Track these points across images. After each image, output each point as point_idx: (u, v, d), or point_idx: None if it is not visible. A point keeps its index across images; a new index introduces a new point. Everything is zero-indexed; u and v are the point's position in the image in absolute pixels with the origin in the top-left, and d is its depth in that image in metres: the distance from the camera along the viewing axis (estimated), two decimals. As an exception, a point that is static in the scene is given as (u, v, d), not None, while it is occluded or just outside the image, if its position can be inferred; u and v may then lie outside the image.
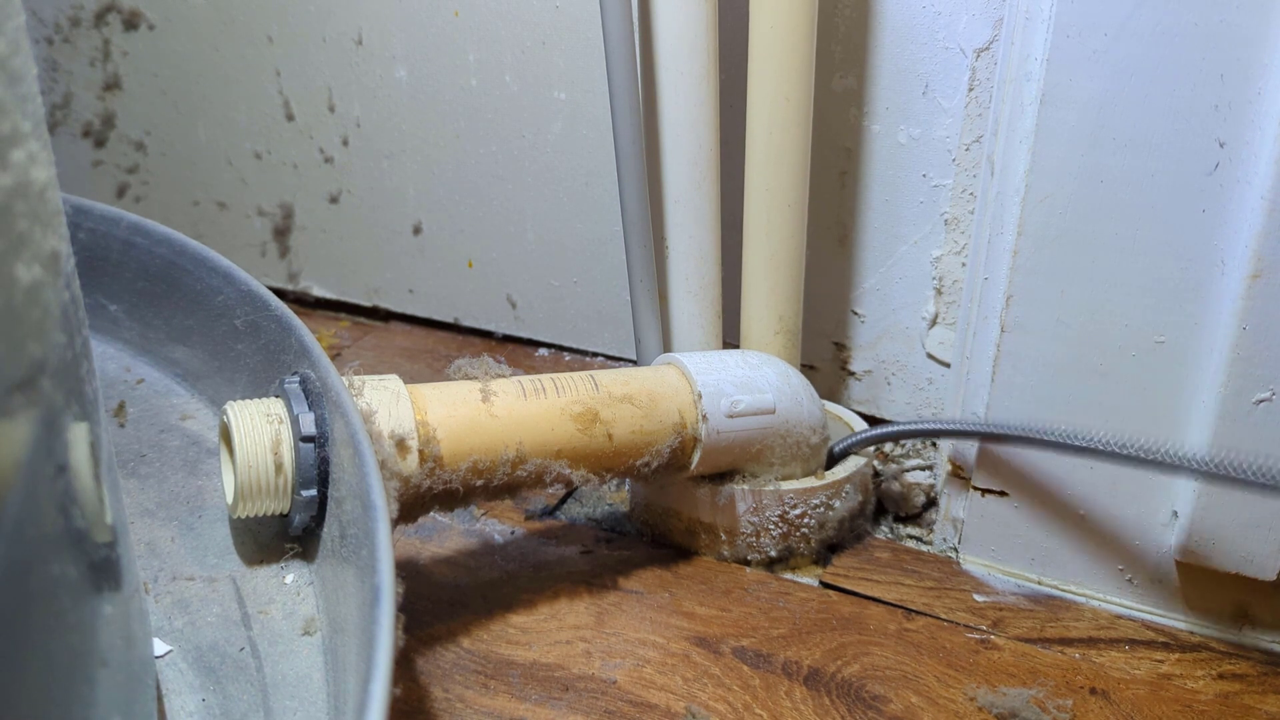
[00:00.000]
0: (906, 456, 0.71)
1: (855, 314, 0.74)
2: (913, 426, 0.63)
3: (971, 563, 0.63)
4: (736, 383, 0.59)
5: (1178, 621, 0.58)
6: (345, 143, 0.90)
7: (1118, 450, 0.52)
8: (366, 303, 0.96)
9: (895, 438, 0.64)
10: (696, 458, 0.58)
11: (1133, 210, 0.52)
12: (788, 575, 0.62)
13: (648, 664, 0.54)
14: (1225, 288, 0.51)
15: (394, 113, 0.87)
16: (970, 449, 0.61)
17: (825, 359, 0.76)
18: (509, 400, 0.54)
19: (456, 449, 0.52)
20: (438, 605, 0.58)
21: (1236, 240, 0.49)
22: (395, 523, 0.48)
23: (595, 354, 0.87)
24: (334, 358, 0.86)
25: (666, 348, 0.69)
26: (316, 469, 0.47)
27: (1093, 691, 0.53)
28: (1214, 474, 0.49)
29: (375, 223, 0.92)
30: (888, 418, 0.75)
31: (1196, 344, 0.53)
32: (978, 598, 0.60)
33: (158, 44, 0.94)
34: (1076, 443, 0.53)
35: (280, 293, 0.97)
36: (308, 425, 0.47)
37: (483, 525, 0.66)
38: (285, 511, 0.49)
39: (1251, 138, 0.48)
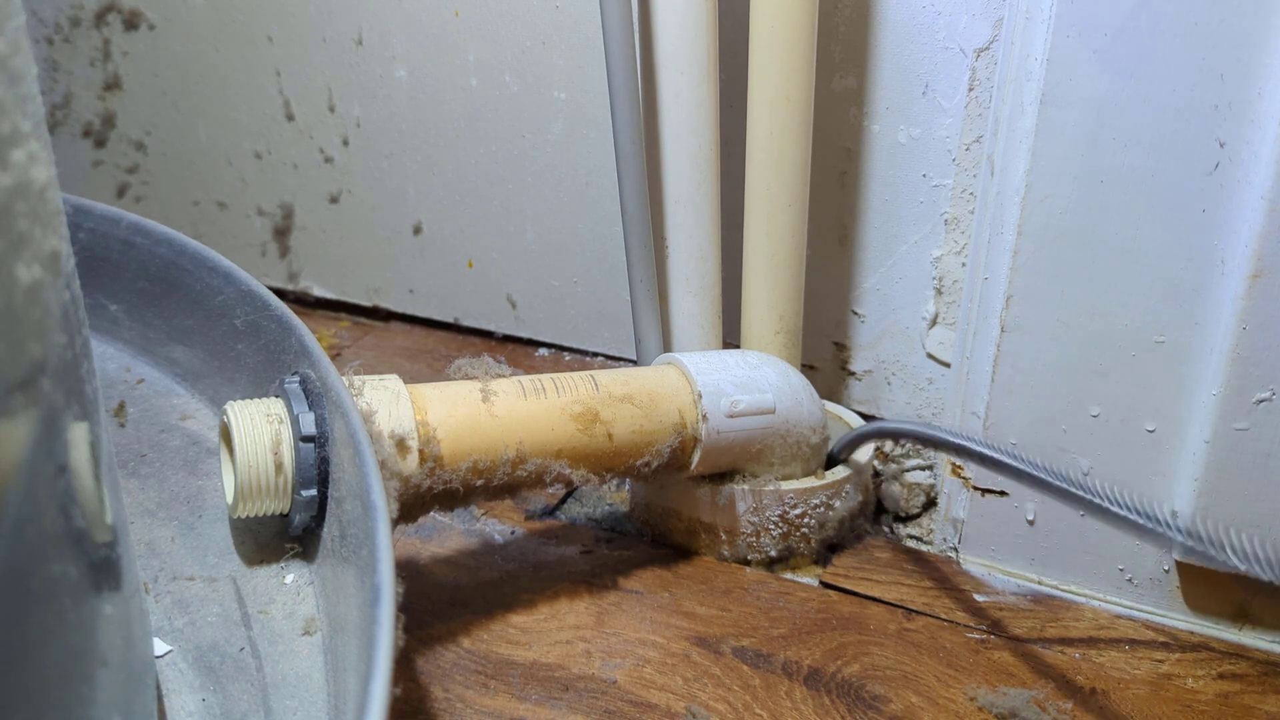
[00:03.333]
0: (906, 456, 0.71)
1: (855, 314, 0.74)
2: (913, 429, 0.61)
3: (971, 563, 0.63)
4: (736, 382, 0.59)
5: (1178, 621, 0.58)
6: (345, 143, 0.90)
7: (1102, 504, 0.48)
8: (366, 303, 0.96)
9: (894, 436, 0.63)
10: (696, 457, 0.58)
11: (1133, 210, 0.52)
12: (788, 575, 0.62)
13: (648, 664, 0.54)
14: (1225, 288, 0.51)
15: (394, 113, 0.87)
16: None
17: (825, 359, 0.76)
18: (509, 400, 0.54)
19: (456, 449, 0.52)
20: (438, 605, 0.58)
21: (1236, 240, 0.49)
22: (395, 523, 0.48)
23: (595, 354, 0.87)
24: (334, 358, 0.86)
25: (666, 348, 0.69)
26: (316, 469, 0.47)
27: (1093, 691, 0.53)
28: (1193, 545, 0.46)
29: (375, 223, 0.92)
30: (888, 418, 0.75)
31: (1196, 344, 0.53)
32: (978, 598, 0.60)
33: (158, 44, 0.94)
34: (1062, 486, 0.49)
35: (280, 293, 0.97)
36: (308, 425, 0.47)
37: (483, 525, 0.66)
38: (285, 511, 0.49)
39: (1251, 138, 0.48)
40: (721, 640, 0.56)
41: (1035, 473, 0.51)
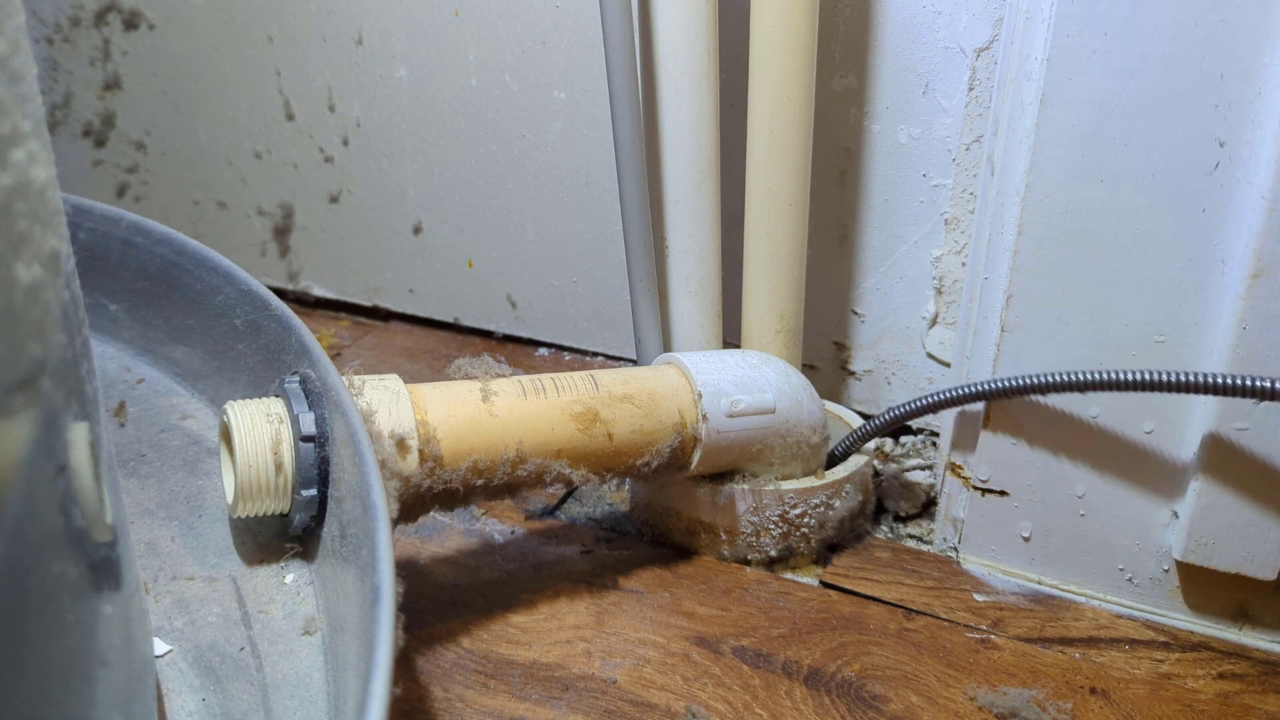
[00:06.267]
0: (906, 456, 0.71)
1: (855, 313, 0.74)
2: (909, 406, 0.61)
3: (971, 562, 0.63)
4: (736, 382, 0.59)
5: (1178, 621, 0.58)
6: (345, 142, 0.90)
7: (1123, 380, 0.52)
8: (366, 302, 0.96)
9: (895, 424, 0.63)
10: (696, 457, 0.58)
11: (1133, 210, 0.52)
12: (788, 575, 0.62)
13: (648, 664, 0.54)
14: (1225, 287, 0.51)
15: (394, 113, 0.87)
16: (970, 448, 0.61)
17: (825, 358, 0.76)
18: (509, 400, 0.54)
19: (456, 448, 0.52)
20: (438, 605, 0.58)
21: (1236, 240, 0.49)
22: (395, 522, 0.48)
23: (595, 354, 0.87)
24: (334, 357, 0.86)
25: (666, 347, 0.69)
26: (316, 469, 0.47)
27: (1093, 691, 0.53)
28: (1225, 388, 0.49)
29: (375, 222, 0.92)
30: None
31: (1196, 344, 0.53)
32: (978, 597, 0.60)
33: (158, 44, 0.94)
34: (1082, 381, 0.53)
35: (280, 292, 0.97)
36: (308, 425, 0.47)
37: (483, 525, 0.66)
38: (285, 511, 0.49)
39: (1251, 137, 0.48)
40: (721, 640, 0.56)
41: (1055, 379, 0.54)
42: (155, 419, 0.58)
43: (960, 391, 0.58)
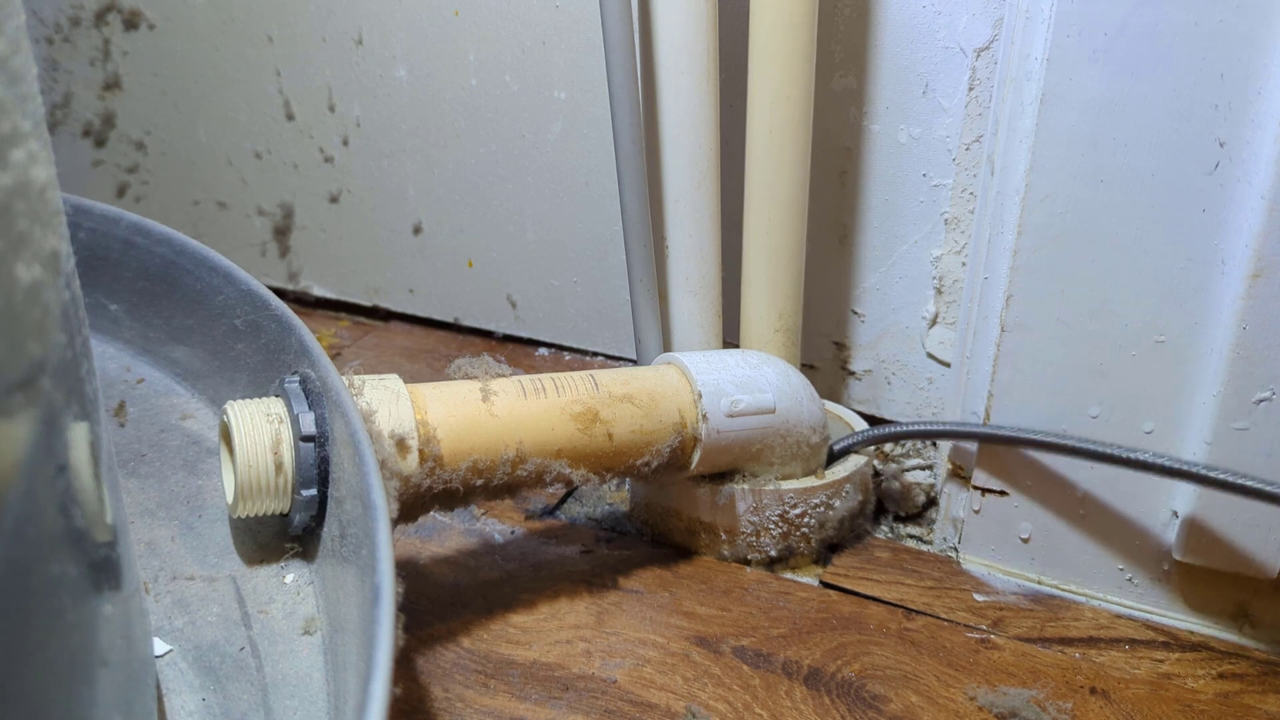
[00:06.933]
0: (907, 456, 0.71)
1: (855, 313, 0.74)
2: (914, 427, 0.63)
3: (971, 562, 0.63)
4: (736, 382, 0.59)
5: (1178, 621, 0.58)
6: (345, 142, 0.90)
7: (1114, 454, 0.52)
8: (366, 302, 0.96)
9: (895, 438, 0.64)
10: (696, 457, 0.58)
11: (1133, 210, 0.52)
12: (788, 575, 0.62)
13: (648, 663, 0.54)
14: (1225, 287, 0.51)
15: (394, 113, 0.87)
16: (971, 448, 0.61)
17: (825, 358, 0.76)
18: (509, 400, 0.54)
19: (456, 448, 0.52)
20: (438, 605, 0.58)
21: (1237, 240, 0.49)
22: (395, 522, 0.48)
23: (595, 354, 0.87)
24: (334, 357, 0.86)
25: (666, 347, 0.69)
26: (316, 468, 0.47)
27: (1093, 691, 0.53)
28: (1204, 479, 0.49)
29: (375, 222, 0.92)
30: (888, 417, 0.75)
31: (1196, 344, 0.53)
32: (978, 597, 0.60)
33: (158, 44, 0.94)
34: (1074, 445, 0.53)
35: (280, 292, 0.97)
36: (308, 425, 0.47)
37: (483, 525, 0.66)
38: (285, 511, 0.49)
39: (1251, 137, 0.48)
40: (721, 640, 0.56)
41: (1047, 439, 0.55)
42: (155, 419, 0.58)
43: (961, 429, 0.59)
